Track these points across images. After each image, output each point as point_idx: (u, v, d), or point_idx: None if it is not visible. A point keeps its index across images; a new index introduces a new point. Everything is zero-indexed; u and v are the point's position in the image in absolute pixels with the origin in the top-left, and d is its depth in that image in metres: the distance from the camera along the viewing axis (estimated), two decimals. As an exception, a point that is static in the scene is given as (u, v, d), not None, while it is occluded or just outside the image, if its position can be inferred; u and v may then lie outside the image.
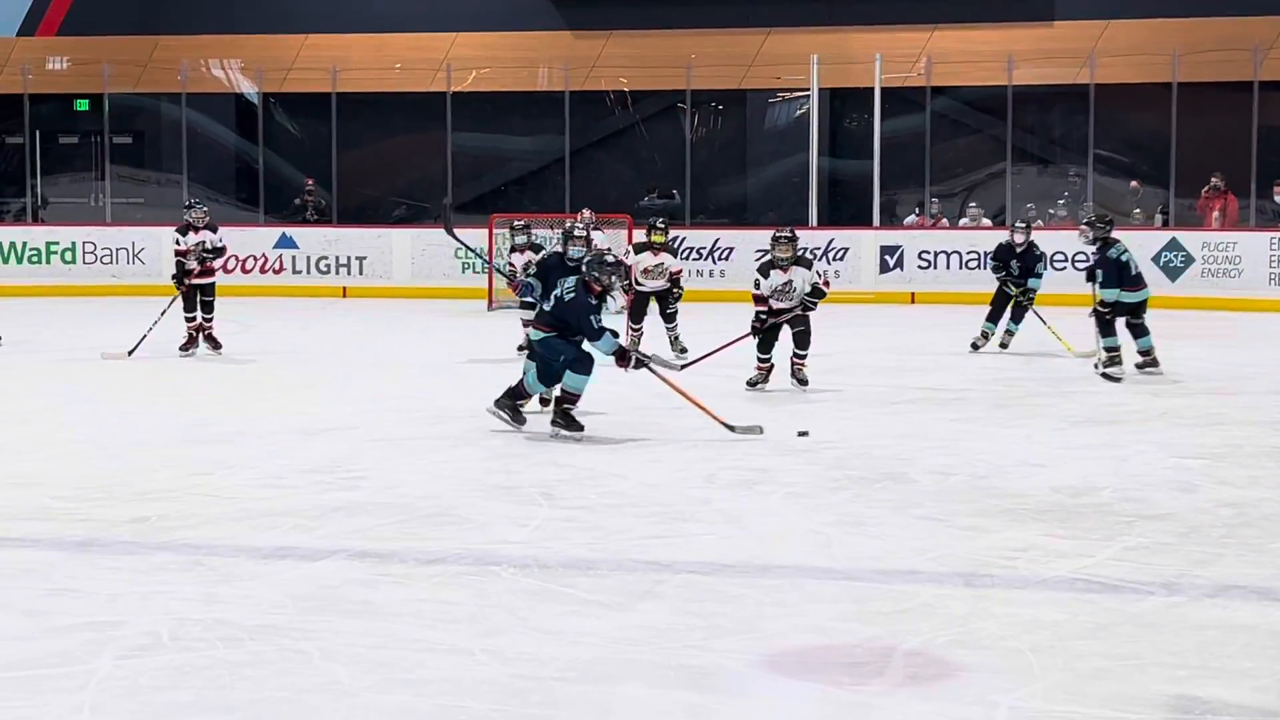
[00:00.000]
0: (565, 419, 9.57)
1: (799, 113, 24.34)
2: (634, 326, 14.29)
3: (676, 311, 14.51)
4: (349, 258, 22.68)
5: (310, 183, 24.42)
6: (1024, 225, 14.95)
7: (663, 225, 14.78)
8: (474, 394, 10.60)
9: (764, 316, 11.85)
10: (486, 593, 5.83)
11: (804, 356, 11.85)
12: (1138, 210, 22.16)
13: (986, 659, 5.00)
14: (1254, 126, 20.67)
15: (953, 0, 23.70)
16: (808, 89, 22.96)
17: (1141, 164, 23.18)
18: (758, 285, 11.98)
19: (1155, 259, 20.02)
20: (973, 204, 22.69)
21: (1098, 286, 12.73)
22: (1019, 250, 14.59)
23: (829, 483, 8.07)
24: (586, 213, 19.20)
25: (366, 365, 14.08)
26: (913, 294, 21.28)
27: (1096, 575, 6.09)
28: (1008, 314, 14.59)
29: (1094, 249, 13.05)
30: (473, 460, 8.80)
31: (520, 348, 12.78)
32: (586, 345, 9.62)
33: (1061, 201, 23.60)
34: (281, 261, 22.72)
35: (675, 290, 14.50)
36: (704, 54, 23.74)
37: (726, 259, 21.90)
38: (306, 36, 25.31)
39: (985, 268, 20.59)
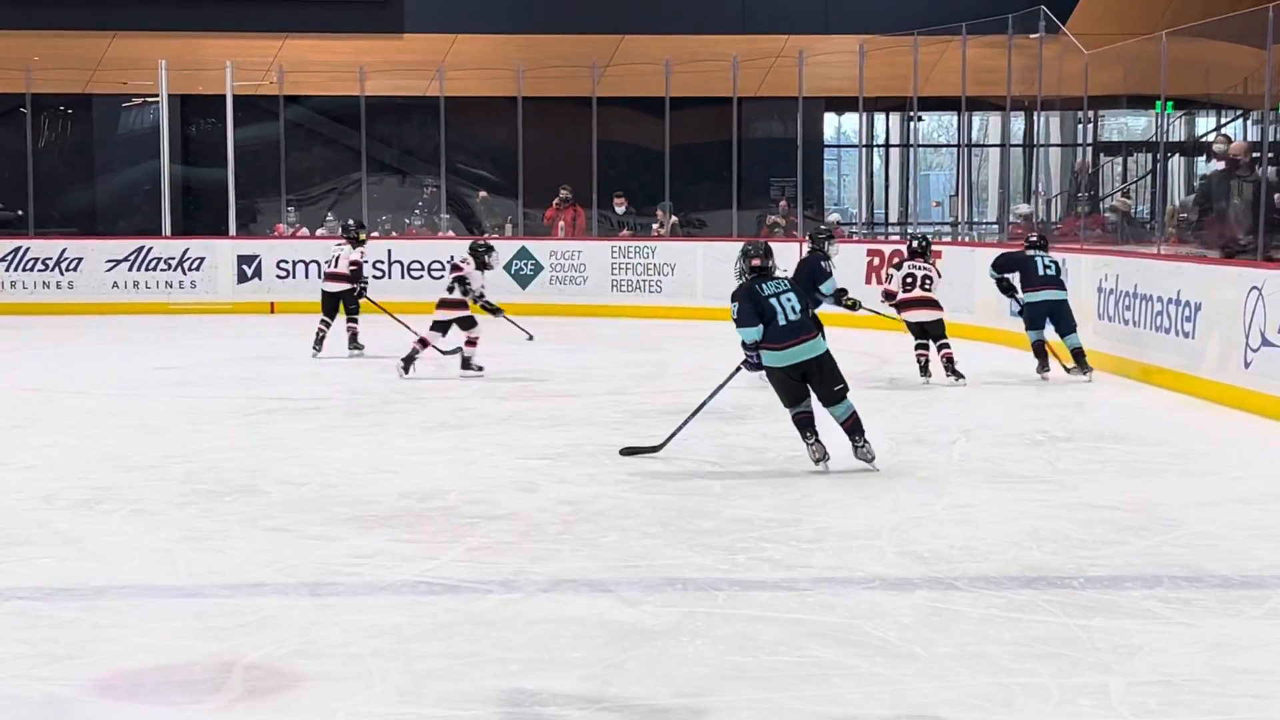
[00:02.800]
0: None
1: (151, 118, 23.68)
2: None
3: None
4: None
5: None
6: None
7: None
8: None
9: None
10: None
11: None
12: (509, 221, 22.83)
13: (327, 667, 5.00)
14: (594, 140, 21.70)
15: (303, 10, 23.68)
16: (157, 94, 22.39)
17: (493, 175, 23.93)
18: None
19: (507, 267, 20.73)
20: (330, 216, 22.79)
21: None
22: None
23: (176, 498, 7.88)
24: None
25: None
26: (272, 304, 21.12)
27: (440, 577, 6.22)
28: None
29: None
30: None
31: None
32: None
33: (418, 211, 24.04)
34: None
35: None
36: (47, 56, 22.69)
37: (75, 269, 21.01)
38: None
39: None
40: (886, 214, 26.46)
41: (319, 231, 22.48)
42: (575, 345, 16.45)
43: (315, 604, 5.82)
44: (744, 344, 8.79)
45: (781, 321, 8.66)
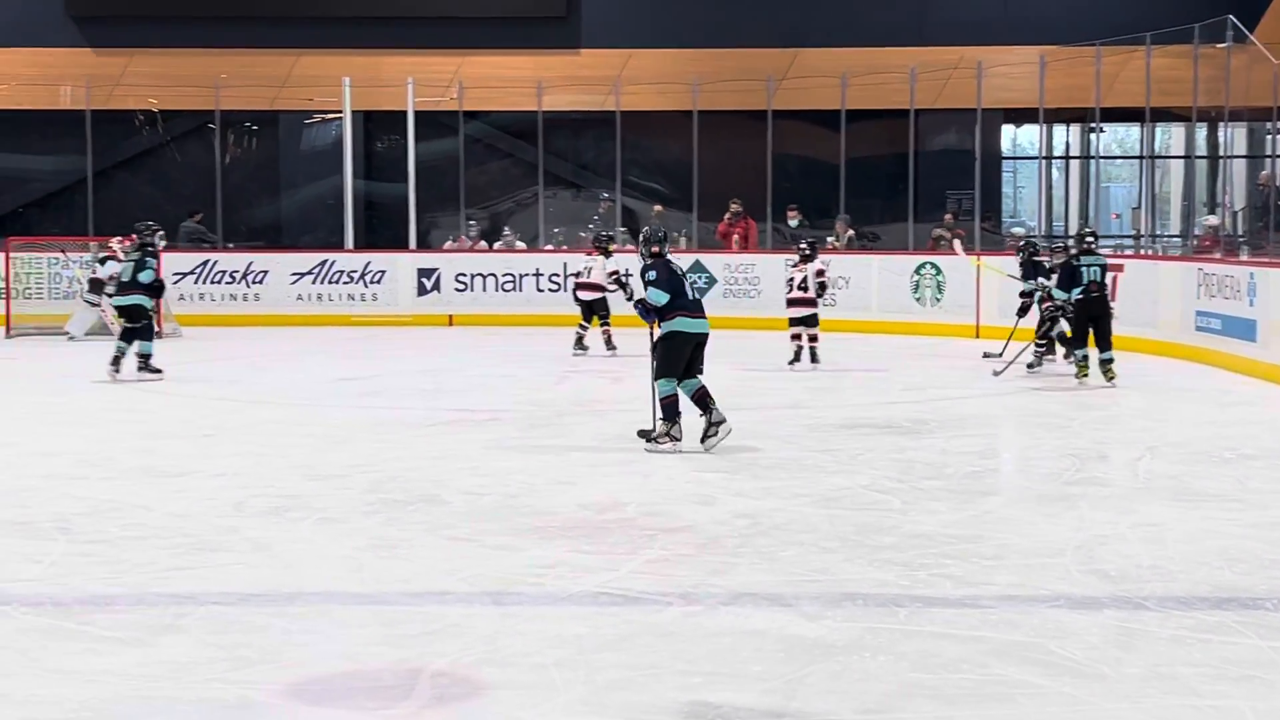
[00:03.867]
0: None
1: (334, 134, 24.17)
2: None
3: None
4: None
5: None
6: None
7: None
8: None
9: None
10: (-5, 635, 5.55)
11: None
12: (684, 235, 22.86)
13: (512, 675, 5.06)
14: (769, 153, 21.69)
15: (483, 27, 24.00)
16: (340, 111, 22.84)
17: (667, 189, 24.02)
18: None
19: (681, 281, 20.78)
20: (507, 230, 23.05)
21: None
22: None
23: (362, 506, 8.03)
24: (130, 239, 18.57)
25: None
26: (450, 316, 21.44)
27: (619, 588, 6.25)
28: None
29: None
30: (-17, 496, 8.35)
31: None
32: None
33: (592, 225, 24.18)
34: None
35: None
36: (235, 74, 23.30)
37: (260, 282, 21.53)
38: None
39: (521, 289, 21.16)
40: (1066, 226, 26.01)
41: (497, 245, 22.73)
42: (749, 360, 16.40)
43: (499, 613, 5.89)
44: (645, 304, 9.93)
45: (691, 296, 10.02)
